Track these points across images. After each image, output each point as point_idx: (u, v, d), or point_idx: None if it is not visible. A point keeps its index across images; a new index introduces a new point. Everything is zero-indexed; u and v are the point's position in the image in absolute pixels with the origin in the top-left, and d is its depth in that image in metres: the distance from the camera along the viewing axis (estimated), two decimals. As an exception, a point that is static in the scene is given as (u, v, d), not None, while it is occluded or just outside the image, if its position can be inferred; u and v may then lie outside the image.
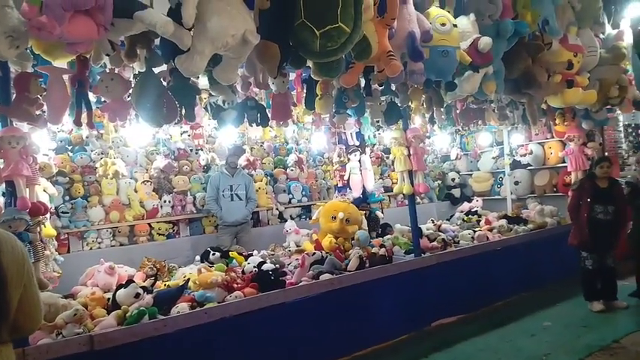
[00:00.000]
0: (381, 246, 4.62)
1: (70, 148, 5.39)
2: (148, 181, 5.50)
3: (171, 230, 5.57)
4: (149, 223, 5.41)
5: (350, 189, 6.09)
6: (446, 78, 3.62)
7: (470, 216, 6.37)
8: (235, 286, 3.42)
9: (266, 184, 6.48)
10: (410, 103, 4.47)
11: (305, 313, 3.55)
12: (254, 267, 3.80)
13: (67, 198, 4.99)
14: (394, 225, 5.67)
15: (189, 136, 5.93)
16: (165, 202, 5.54)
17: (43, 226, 3.13)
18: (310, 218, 5.96)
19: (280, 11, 2.58)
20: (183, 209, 5.68)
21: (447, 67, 3.50)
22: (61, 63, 2.80)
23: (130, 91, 3.05)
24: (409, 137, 4.58)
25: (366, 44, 2.92)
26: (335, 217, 4.77)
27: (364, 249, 4.41)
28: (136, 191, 5.42)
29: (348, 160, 6.26)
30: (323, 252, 4.27)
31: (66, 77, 2.92)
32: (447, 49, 3.42)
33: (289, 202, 6.66)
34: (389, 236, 5.19)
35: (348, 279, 3.85)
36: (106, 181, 5.18)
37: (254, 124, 3.83)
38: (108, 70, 2.97)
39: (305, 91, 3.94)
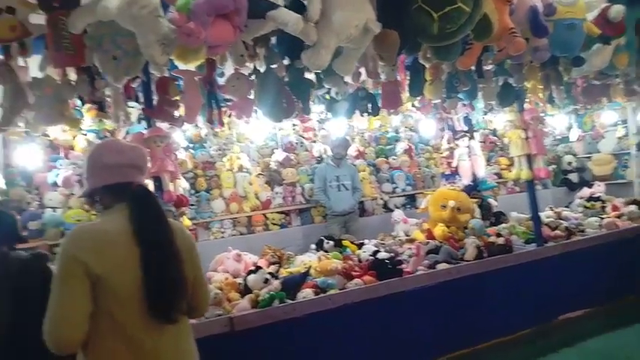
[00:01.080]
0: (498, 235, 4.42)
1: (191, 145, 5.86)
2: (261, 174, 5.82)
3: (283, 220, 5.85)
4: (264, 214, 5.73)
5: (459, 176, 5.89)
6: (573, 53, 3.36)
7: (592, 202, 5.83)
8: (354, 273, 3.50)
9: (369, 173, 6.52)
10: (526, 83, 4.21)
11: (424, 303, 3.52)
12: (370, 255, 3.85)
13: (192, 191, 5.45)
14: (508, 213, 5.39)
15: (294, 128, 6.17)
16: (277, 193, 5.83)
17: (184, 217, 3.45)
18: (416, 207, 5.89)
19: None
20: (294, 200, 5.93)
21: (573, 41, 3.25)
22: (192, 66, 3.07)
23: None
24: (527, 119, 4.32)
25: (486, 23, 2.79)
26: (445, 206, 4.65)
27: (480, 238, 4.26)
28: (250, 184, 5.77)
29: (457, 146, 6.05)
30: (436, 241, 4.20)
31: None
32: (573, 21, 3.17)
33: (393, 191, 6.62)
34: (504, 225, 4.94)
35: (466, 268, 3.74)
36: (225, 175, 5.59)
37: (365, 114, 3.86)
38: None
39: (409, 77, 3.88)
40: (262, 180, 5.90)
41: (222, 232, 5.52)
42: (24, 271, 1.94)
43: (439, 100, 4.40)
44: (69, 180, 4.91)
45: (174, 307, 1.59)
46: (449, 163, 6.21)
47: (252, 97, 3.29)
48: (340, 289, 3.32)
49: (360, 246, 4.36)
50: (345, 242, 4.39)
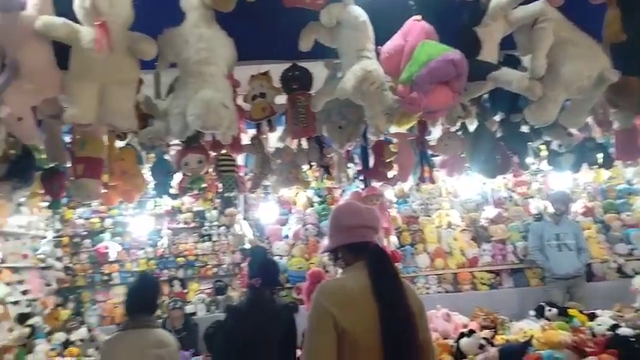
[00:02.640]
0: None
1: (395, 200, 6.07)
2: (466, 230, 5.63)
3: (493, 280, 5.47)
4: (471, 272, 5.48)
5: None
6: None
7: None
8: (588, 350, 3.02)
9: (597, 232, 5.67)
10: None
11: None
12: (607, 329, 3.29)
13: (397, 246, 5.59)
14: None
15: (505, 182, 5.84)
16: (484, 250, 5.53)
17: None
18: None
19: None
20: (504, 259, 5.53)
21: None
22: (404, 129, 3.25)
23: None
24: None
25: None
26: None
27: None
28: (455, 239, 5.62)
29: None
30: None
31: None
32: None
33: (630, 253, 5.59)
34: None
35: None
36: (428, 230, 5.59)
37: (595, 167, 3.44)
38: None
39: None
40: (468, 236, 5.69)
41: (428, 288, 5.45)
42: (276, 318, 2.25)
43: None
44: (297, 234, 5.61)
45: None
46: None
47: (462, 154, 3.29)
48: (570, 367, 2.90)
49: (590, 317, 3.76)
50: (571, 311, 3.85)
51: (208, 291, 5.72)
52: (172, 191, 3.58)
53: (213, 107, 2.10)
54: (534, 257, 5.27)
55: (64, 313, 5.33)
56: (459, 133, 3.44)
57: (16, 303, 4.62)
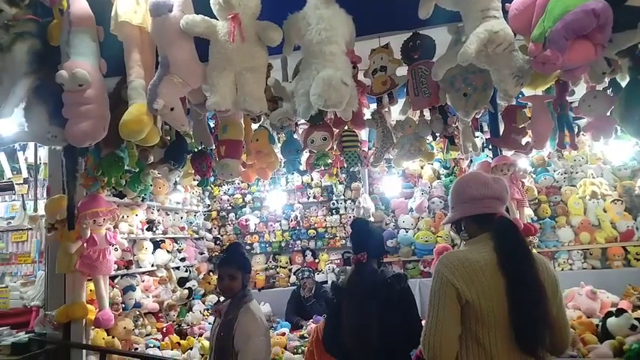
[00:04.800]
0: None
1: (532, 169, 5.61)
2: (618, 200, 4.99)
3: (652, 256, 4.81)
4: (624, 247, 4.87)
5: None
6: None
7: None
8: None
9: None
10: None
11: None
12: None
13: (534, 219, 5.19)
14: None
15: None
16: (642, 223, 4.86)
17: (531, 246, 3.35)
18: None
19: None
20: (668, 233, 4.80)
21: None
22: (540, 90, 2.98)
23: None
24: None
25: None
26: None
27: None
28: (605, 211, 5.03)
29: None
30: None
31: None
32: None
33: None
34: None
35: None
36: (572, 201, 5.08)
37: None
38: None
39: None
40: (620, 207, 5.03)
41: (571, 264, 4.99)
42: (386, 288, 2.30)
43: None
44: (421, 206, 5.54)
45: (537, 341, 1.57)
46: None
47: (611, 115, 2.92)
48: None
49: None
50: None
51: (337, 261, 6.01)
52: (301, 168, 3.80)
53: (334, 85, 2.19)
54: None
55: (215, 278, 6.04)
56: (608, 91, 3.06)
57: (176, 268, 5.38)
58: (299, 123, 3.72)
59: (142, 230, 4.82)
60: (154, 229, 5.02)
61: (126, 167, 3.55)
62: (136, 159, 3.57)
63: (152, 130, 2.59)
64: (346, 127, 3.41)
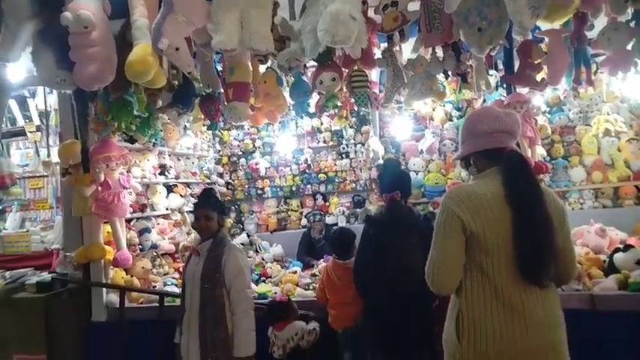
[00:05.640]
0: None
1: (548, 109, 5.48)
2: (634, 139, 4.89)
3: (665, 194, 4.78)
4: (636, 185, 4.84)
5: None
6: None
7: None
8: None
9: None
10: None
11: None
12: None
13: (548, 158, 5.13)
14: None
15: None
16: (656, 162, 4.79)
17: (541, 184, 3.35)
18: None
19: None
20: (681, 171, 4.74)
21: None
22: (558, 24, 2.85)
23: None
24: None
25: None
26: None
27: None
28: (619, 150, 4.95)
29: None
30: None
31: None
32: None
33: None
34: None
35: None
36: (586, 140, 5.00)
37: None
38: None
39: None
40: (636, 146, 4.94)
41: (582, 203, 4.99)
42: (415, 227, 2.37)
43: None
44: (432, 147, 5.50)
45: (543, 271, 1.61)
46: None
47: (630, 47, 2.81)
48: None
49: None
50: None
51: (347, 204, 6.06)
52: (310, 110, 3.76)
53: (342, 20, 2.12)
54: None
55: (228, 222, 6.18)
56: (631, 24, 2.91)
57: (190, 212, 5.48)
58: (308, 65, 3.64)
59: (155, 175, 4.89)
60: (166, 173, 5.08)
61: (136, 112, 3.57)
62: (144, 103, 3.57)
63: (158, 71, 2.56)
64: (356, 67, 3.34)
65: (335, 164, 6.18)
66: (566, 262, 1.72)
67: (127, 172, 4.30)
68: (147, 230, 4.45)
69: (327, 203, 6.12)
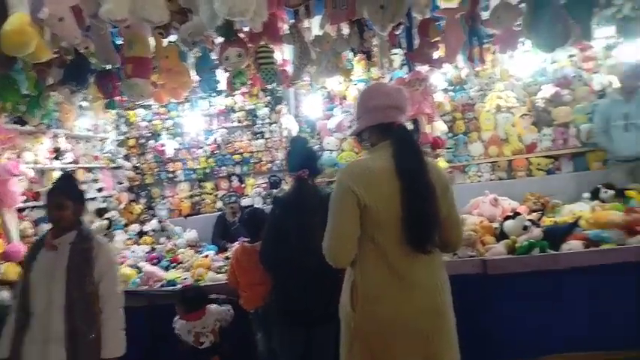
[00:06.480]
0: None
1: (451, 88, 5.78)
2: (526, 115, 5.33)
3: (551, 165, 5.28)
4: (527, 158, 5.30)
5: None
6: None
7: None
8: (638, 228, 2.95)
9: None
10: None
11: None
12: (666, 209, 3.16)
13: (450, 134, 5.44)
14: None
15: (571, 59, 5.34)
16: (544, 135, 5.26)
17: (440, 158, 3.54)
18: None
19: None
20: (565, 143, 5.24)
21: None
22: (455, 3, 2.99)
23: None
24: None
25: None
26: None
27: None
28: (513, 125, 5.37)
29: None
30: None
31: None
32: None
33: None
34: None
35: None
36: (484, 117, 5.36)
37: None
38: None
39: None
40: (529, 121, 5.39)
41: (480, 176, 5.38)
42: (322, 206, 2.36)
43: None
44: (340, 125, 5.58)
45: (427, 239, 1.71)
46: None
47: (518, 27, 3.01)
48: (618, 245, 2.87)
49: (652, 198, 3.60)
50: (629, 192, 3.70)
51: (264, 185, 6.02)
52: (220, 88, 3.65)
53: (239, -9, 2.04)
54: (598, 140, 4.96)
55: (138, 208, 5.89)
56: (521, 5, 3.10)
57: (93, 199, 5.15)
58: (217, 41, 3.51)
59: (50, 160, 4.50)
60: (60, 158, 4.69)
61: (25, 91, 3.24)
62: (34, 81, 3.25)
63: (40, 43, 2.32)
64: (262, 43, 3.28)
65: (250, 144, 6.09)
66: (451, 229, 1.84)
67: (17, 157, 3.93)
68: (43, 220, 4.10)
69: (243, 185, 6.04)
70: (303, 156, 2.68)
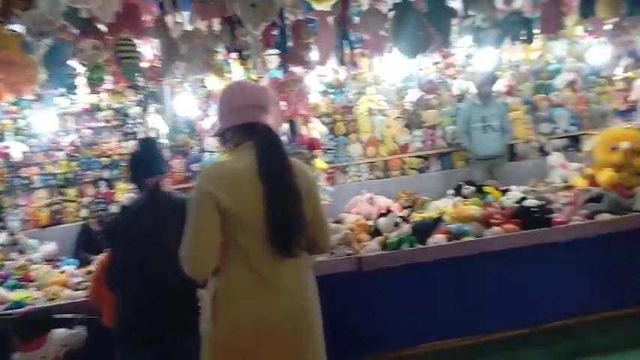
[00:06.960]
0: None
1: (331, 90, 5.91)
2: (400, 117, 5.65)
3: (422, 165, 5.67)
4: (401, 158, 5.62)
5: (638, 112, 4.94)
6: None
7: None
8: (493, 221, 3.25)
9: (524, 112, 5.82)
10: None
11: (576, 258, 3.12)
12: (515, 202, 3.52)
13: (331, 136, 5.56)
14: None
15: (436, 66, 5.78)
16: (415, 137, 5.63)
17: (317, 159, 3.55)
18: (579, 150, 5.14)
19: None
20: (434, 144, 5.67)
21: None
22: (327, 6, 3.00)
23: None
24: None
25: None
26: (616, 148, 3.95)
27: (659, 187, 3.56)
28: (388, 127, 5.66)
29: (637, 75, 5.00)
30: (600, 188, 3.65)
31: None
32: None
33: (552, 132, 5.84)
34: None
35: (635, 220, 3.19)
36: (362, 119, 5.57)
37: (517, 42, 3.41)
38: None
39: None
40: (401, 123, 5.72)
41: (359, 176, 5.59)
42: (174, 212, 2.14)
43: (617, 19, 3.64)
44: (216, 125, 5.39)
45: (292, 242, 1.66)
46: (625, 98, 5.18)
47: (385, 33, 3.13)
48: (476, 237, 3.13)
49: (504, 192, 4.01)
50: (487, 188, 4.08)
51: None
52: (73, 84, 3.26)
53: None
54: (460, 140, 5.44)
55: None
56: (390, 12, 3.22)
57: None
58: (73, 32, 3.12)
59: None
60: None
61: None
62: None
63: None
64: (124, 36, 2.99)
65: (120, 146, 5.59)
66: (318, 230, 1.80)
67: None
68: None
69: (113, 190, 5.52)
70: (154, 160, 2.43)
